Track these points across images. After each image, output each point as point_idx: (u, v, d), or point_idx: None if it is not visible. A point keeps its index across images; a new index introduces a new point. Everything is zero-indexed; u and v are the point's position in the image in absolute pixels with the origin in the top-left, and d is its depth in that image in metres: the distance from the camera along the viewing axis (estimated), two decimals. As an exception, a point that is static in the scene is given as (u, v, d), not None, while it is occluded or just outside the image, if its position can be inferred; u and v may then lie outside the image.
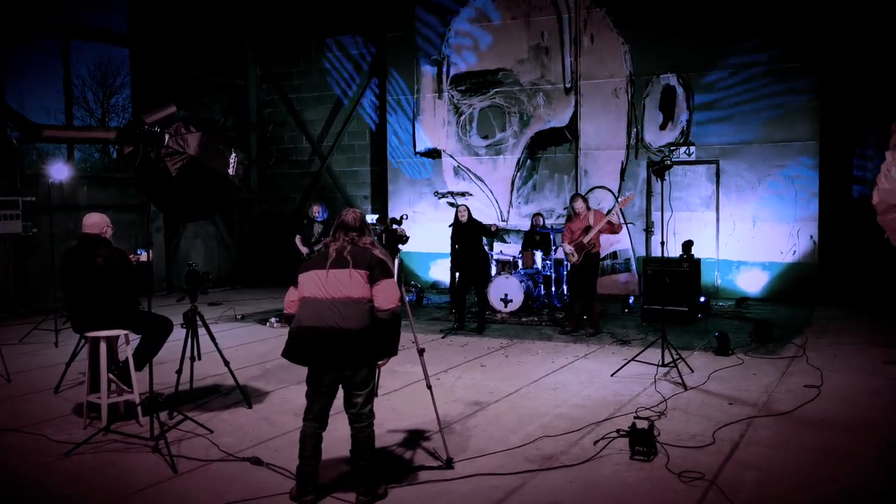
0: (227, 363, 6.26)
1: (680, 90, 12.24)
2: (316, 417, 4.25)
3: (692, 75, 12.12)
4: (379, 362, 4.30)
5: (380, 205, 14.77)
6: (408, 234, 4.93)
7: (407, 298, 12.28)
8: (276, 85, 15.56)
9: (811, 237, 11.55)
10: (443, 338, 9.22)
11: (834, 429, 5.43)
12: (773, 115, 11.65)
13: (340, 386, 4.26)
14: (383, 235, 4.83)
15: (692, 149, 12.16)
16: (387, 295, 4.16)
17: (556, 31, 12.98)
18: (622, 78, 12.58)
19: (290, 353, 4.22)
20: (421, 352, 4.95)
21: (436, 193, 14.08)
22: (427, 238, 13.78)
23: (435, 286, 13.86)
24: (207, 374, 7.14)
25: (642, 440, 4.86)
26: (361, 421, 4.22)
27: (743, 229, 11.96)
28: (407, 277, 13.71)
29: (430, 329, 9.84)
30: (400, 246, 4.96)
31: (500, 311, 10.83)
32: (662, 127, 12.39)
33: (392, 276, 4.23)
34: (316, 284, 4.18)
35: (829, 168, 11.49)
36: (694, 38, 11.98)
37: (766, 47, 11.57)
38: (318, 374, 4.21)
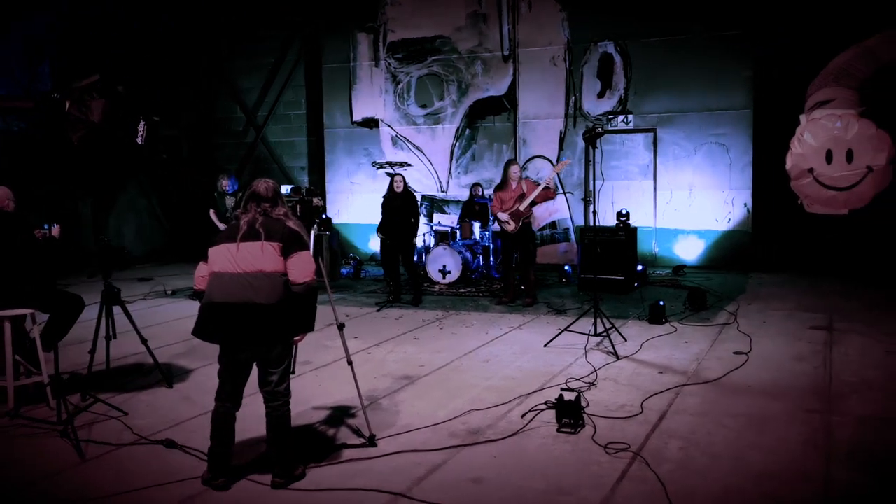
0: (144, 341, 6.00)
1: (618, 58, 12.18)
2: (229, 397, 4.07)
3: (630, 42, 12.07)
4: (295, 338, 4.12)
5: (317, 175, 14.46)
6: (322, 204, 4.72)
7: (343, 271, 12.08)
8: (209, 52, 15.01)
9: (745, 205, 11.68)
10: (378, 311, 9.06)
11: (759, 395, 5.47)
12: (709, 82, 11.68)
13: (255, 364, 4.08)
14: (298, 207, 4.63)
15: (630, 117, 12.15)
16: (301, 268, 3.98)
17: (493, -3, 12.76)
18: (560, 45, 12.46)
19: (201, 330, 4.01)
20: (340, 327, 4.78)
21: (374, 164, 13.83)
22: (366, 209, 13.57)
23: (374, 258, 13.65)
24: (130, 352, 6.86)
25: (569, 412, 4.80)
26: (276, 399, 4.05)
27: (680, 197, 12.03)
28: (345, 249, 13.48)
29: (367, 302, 9.68)
30: (317, 219, 4.74)
31: (438, 283, 10.71)
32: (601, 95, 12.33)
33: (307, 248, 4.05)
34: (226, 258, 3.98)
35: (763, 137, 11.59)
36: (631, 5, 11.91)
37: (702, 14, 11.56)
38: (230, 351, 4.03)
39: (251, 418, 4.67)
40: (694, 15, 11.59)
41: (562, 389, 4.99)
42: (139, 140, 5.03)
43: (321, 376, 6.19)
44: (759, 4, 11.31)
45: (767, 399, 5.37)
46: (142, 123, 5.06)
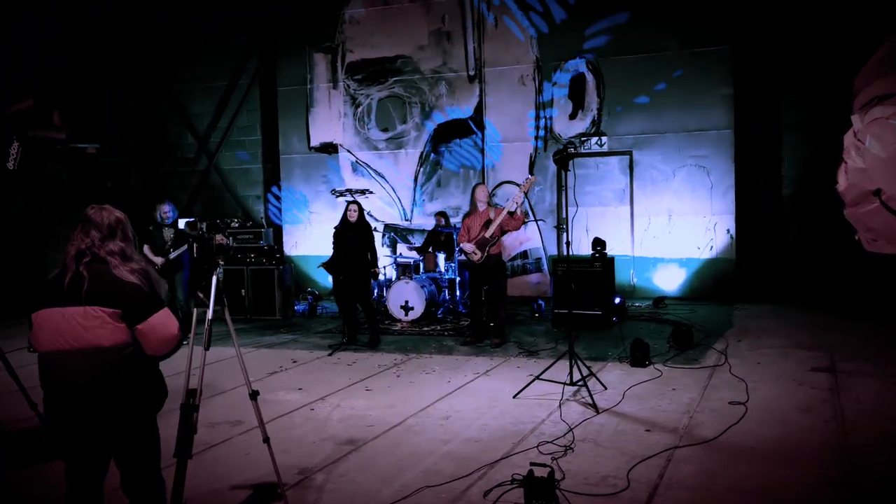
0: (33, 406, 5.03)
1: (590, 77, 11.47)
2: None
3: (602, 61, 11.37)
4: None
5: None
6: (229, 242, 3.81)
7: (297, 308, 11.09)
8: (158, 75, 14.08)
9: (728, 231, 10.96)
10: (329, 355, 8.12)
11: (766, 460, 4.61)
12: (686, 102, 11.00)
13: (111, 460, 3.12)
14: (194, 246, 3.71)
15: (604, 139, 11.41)
16: (156, 337, 3.00)
17: (458, 14, 12.03)
18: (529, 64, 11.73)
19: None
20: (252, 395, 3.85)
21: (333, 192, 12.92)
22: (325, 240, 12.58)
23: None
24: (25, 416, 5.83)
25: (540, 493, 3.90)
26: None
27: (659, 224, 11.28)
28: (301, 284, 12.53)
29: (319, 344, 8.75)
30: (222, 259, 3.81)
31: (400, 321, 9.82)
32: (572, 116, 11.60)
33: (161, 306, 3.05)
34: (53, 331, 2.96)
35: (745, 158, 10.91)
36: (603, 22, 11.23)
37: (678, 31, 10.91)
38: (76, 448, 3.05)
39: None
40: (669, 31, 10.94)
41: (531, 465, 4.09)
42: (10, 165, 4.16)
43: (251, 441, 5.24)
44: (737, 21, 10.68)
45: (777, 465, 4.51)
46: (15, 145, 4.19)
